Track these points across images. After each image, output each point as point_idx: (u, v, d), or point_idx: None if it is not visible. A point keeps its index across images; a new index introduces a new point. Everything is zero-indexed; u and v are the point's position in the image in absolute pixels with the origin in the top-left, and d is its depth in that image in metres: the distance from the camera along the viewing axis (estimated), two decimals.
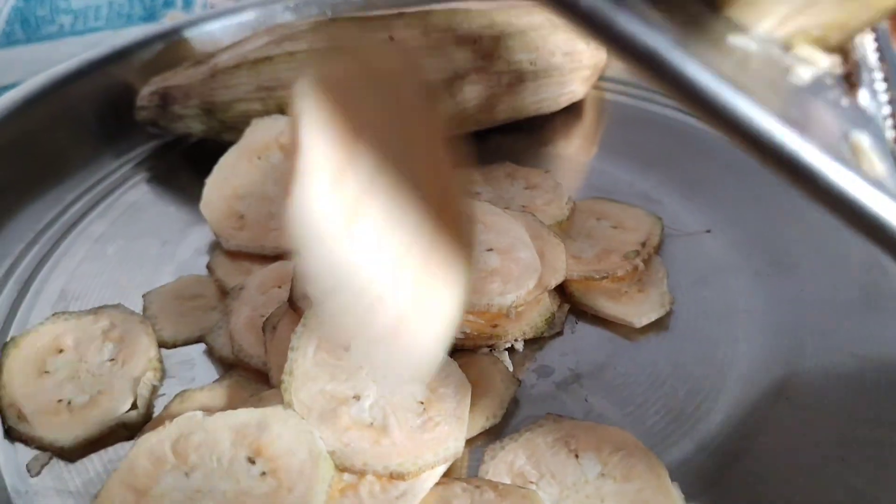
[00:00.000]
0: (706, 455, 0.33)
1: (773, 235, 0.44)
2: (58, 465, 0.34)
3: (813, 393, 0.36)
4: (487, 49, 0.51)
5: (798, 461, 0.33)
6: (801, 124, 0.20)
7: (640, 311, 0.39)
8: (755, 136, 0.19)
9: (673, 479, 0.32)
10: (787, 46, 0.24)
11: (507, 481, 0.32)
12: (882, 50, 0.28)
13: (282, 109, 0.50)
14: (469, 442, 0.34)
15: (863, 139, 0.22)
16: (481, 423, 0.35)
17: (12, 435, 0.35)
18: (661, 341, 0.39)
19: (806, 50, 0.24)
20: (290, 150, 0.45)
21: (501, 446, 0.33)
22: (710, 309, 0.40)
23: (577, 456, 0.33)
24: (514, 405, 0.36)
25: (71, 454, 0.34)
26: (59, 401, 0.36)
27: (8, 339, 0.39)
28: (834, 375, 0.37)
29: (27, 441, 0.35)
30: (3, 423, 0.36)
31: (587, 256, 0.42)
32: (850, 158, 0.21)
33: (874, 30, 0.29)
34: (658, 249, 0.43)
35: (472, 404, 0.34)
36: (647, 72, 0.19)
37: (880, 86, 0.27)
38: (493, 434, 0.34)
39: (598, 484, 0.32)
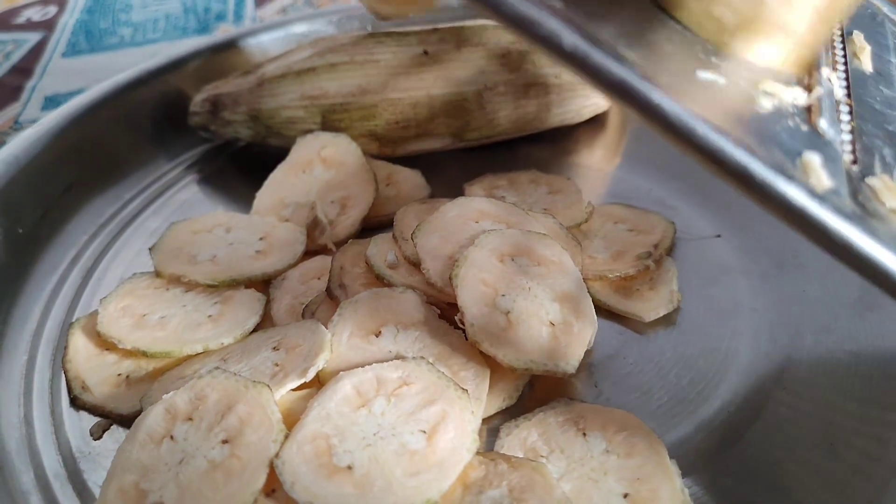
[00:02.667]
0: (704, 436, 0.36)
1: (780, 240, 0.47)
2: (117, 430, 0.38)
3: (807, 385, 0.38)
4: (515, 63, 0.54)
5: (789, 446, 0.36)
6: (752, 145, 0.23)
7: (649, 307, 0.42)
8: (710, 153, 0.23)
9: (672, 456, 0.34)
10: (754, 82, 0.27)
11: (520, 455, 0.35)
12: (849, 87, 0.31)
13: (323, 116, 0.53)
14: (487, 420, 0.37)
15: (814, 158, 0.25)
16: (498, 404, 0.38)
17: (77, 403, 0.39)
18: (668, 335, 0.42)
19: (770, 84, 0.27)
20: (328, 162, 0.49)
21: (516, 424, 0.36)
22: (716, 307, 0.43)
23: (584, 434, 0.36)
24: (528, 388, 0.39)
25: (128, 420, 0.37)
26: (119, 374, 0.40)
27: (73, 319, 0.44)
28: (828, 369, 0.39)
29: (90, 409, 0.39)
30: (69, 392, 0.40)
31: (603, 257, 0.45)
32: (800, 174, 0.24)
33: (845, 71, 0.32)
34: (670, 251, 0.46)
35: (491, 386, 0.37)
36: (620, 99, 0.23)
37: (845, 117, 0.30)
38: (510, 414, 0.37)
39: (603, 459, 0.35)
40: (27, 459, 0.37)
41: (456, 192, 0.50)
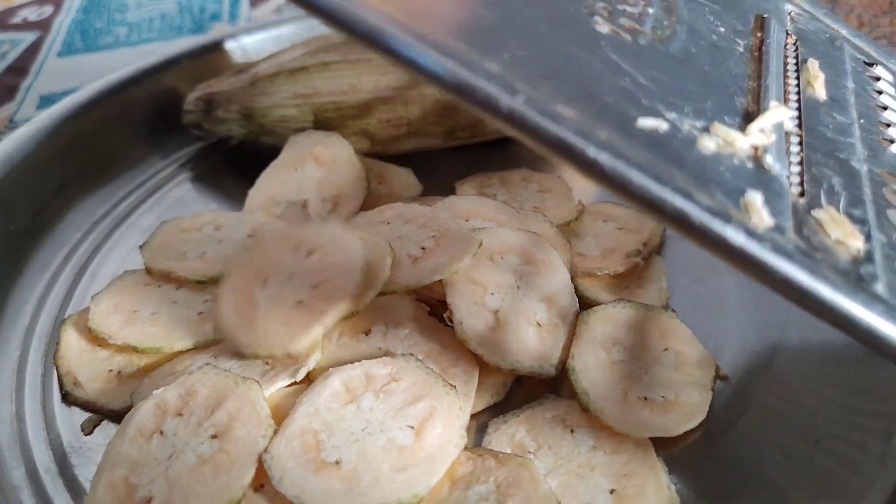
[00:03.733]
0: (690, 432, 0.36)
1: None
2: (108, 425, 0.38)
3: (793, 381, 0.39)
4: None
5: (775, 441, 0.36)
6: (691, 190, 0.24)
7: None
8: (647, 202, 0.24)
9: (658, 452, 0.35)
10: (704, 127, 0.28)
11: (508, 451, 0.35)
12: (801, 117, 0.32)
13: (315, 115, 0.53)
14: (475, 416, 0.37)
15: (755, 197, 0.25)
16: (487, 400, 0.38)
17: (68, 399, 0.39)
18: None
19: (715, 126, 0.28)
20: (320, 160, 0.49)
21: (504, 420, 0.37)
22: (704, 304, 0.43)
23: (572, 431, 0.36)
24: (516, 385, 0.39)
25: (119, 416, 0.37)
26: (110, 370, 0.40)
27: (66, 316, 0.44)
28: (815, 367, 0.39)
29: (81, 405, 0.39)
30: (61, 388, 0.40)
31: (593, 255, 0.45)
32: (742, 213, 0.25)
33: (798, 101, 0.32)
34: (659, 249, 0.47)
35: (479, 382, 0.38)
36: (560, 156, 0.24)
37: (795, 148, 0.30)
38: (498, 410, 0.38)
39: (590, 455, 0.35)
40: (18, 454, 0.37)
41: (448, 190, 0.50)
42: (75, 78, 0.74)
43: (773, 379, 0.39)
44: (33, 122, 0.53)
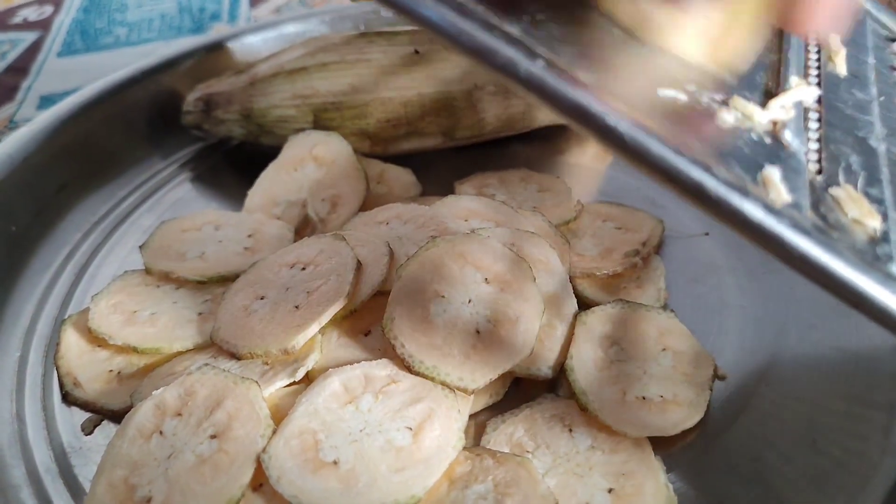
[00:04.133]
0: (688, 431, 0.36)
1: None
2: (108, 425, 0.39)
3: (791, 381, 0.39)
4: None
5: (772, 441, 0.36)
6: (709, 162, 0.23)
7: None
8: (665, 172, 0.23)
9: (656, 452, 0.35)
10: (718, 97, 0.27)
11: (506, 451, 0.35)
12: (820, 94, 0.32)
13: (315, 115, 0.53)
14: (473, 415, 0.37)
15: (773, 172, 0.25)
16: (485, 400, 0.38)
17: (69, 399, 0.40)
18: None
19: (741, 103, 0.28)
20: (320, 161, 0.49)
21: (502, 420, 0.37)
22: (703, 304, 0.44)
23: (570, 430, 0.36)
24: (515, 385, 0.39)
25: (119, 416, 0.37)
26: (110, 371, 0.40)
27: (66, 316, 0.44)
28: (813, 366, 0.39)
29: (81, 405, 0.39)
30: (61, 388, 0.40)
31: (591, 254, 0.45)
32: (759, 189, 0.24)
33: (818, 76, 0.32)
34: (658, 249, 0.47)
35: None
36: (577, 123, 0.23)
37: (813, 125, 0.30)
38: (496, 409, 0.38)
39: (588, 455, 0.35)
40: (19, 454, 0.37)
41: (447, 190, 0.50)
42: (75, 78, 0.75)
43: (772, 378, 0.39)
44: (34, 123, 0.53)
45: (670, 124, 0.24)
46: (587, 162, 0.57)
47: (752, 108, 0.28)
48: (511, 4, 0.26)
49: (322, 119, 0.54)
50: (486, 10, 0.24)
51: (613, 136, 0.23)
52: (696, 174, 0.23)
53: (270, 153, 0.52)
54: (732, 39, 0.30)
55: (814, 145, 0.29)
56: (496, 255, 0.40)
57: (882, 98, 0.34)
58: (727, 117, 0.27)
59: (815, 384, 0.38)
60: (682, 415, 0.36)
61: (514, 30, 0.24)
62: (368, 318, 0.39)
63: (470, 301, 0.38)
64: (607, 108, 0.23)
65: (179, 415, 0.34)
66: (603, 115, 0.23)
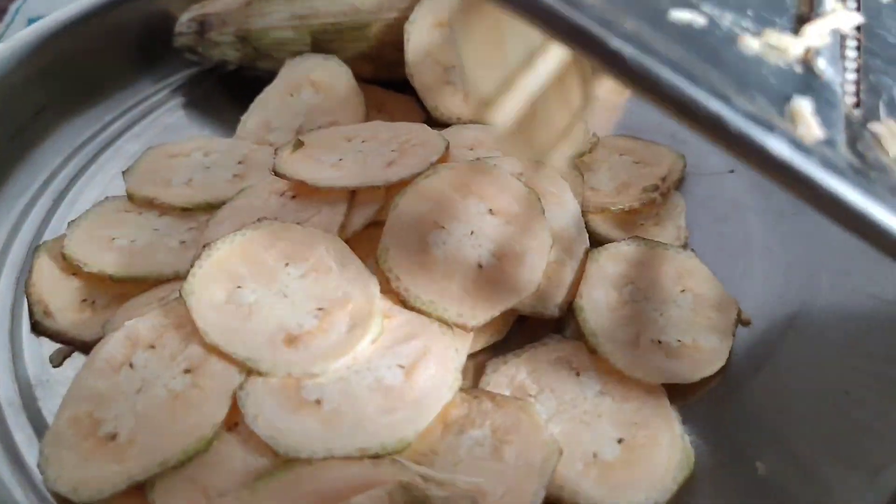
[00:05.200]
0: (706, 381, 0.33)
1: None
2: (78, 357, 0.36)
3: (821, 332, 0.36)
4: None
5: (796, 397, 0.33)
6: (728, 92, 0.21)
7: None
8: (677, 103, 0.20)
9: (671, 401, 0.32)
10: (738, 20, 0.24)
11: (507, 393, 0.33)
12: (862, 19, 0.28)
13: (313, 37, 0.50)
14: (472, 356, 0.34)
15: (803, 105, 0.22)
16: (485, 339, 0.35)
17: (38, 329, 0.37)
18: None
19: (775, 36, 0.24)
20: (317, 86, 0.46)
21: (504, 360, 0.34)
22: (727, 245, 0.40)
23: (577, 374, 0.33)
24: (518, 324, 0.36)
25: (90, 347, 0.34)
26: (83, 300, 0.37)
27: (41, 242, 0.41)
28: (846, 316, 0.36)
29: (51, 335, 0.37)
30: (31, 317, 0.37)
31: (606, 189, 0.42)
32: (787, 123, 0.22)
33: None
34: (679, 186, 0.43)
35: None
36: (578, 49, 0.21)
37: (851, 53, 0.27)
38: (497, 350, 0.35)
39: (597, 401, 0.32)
40: None
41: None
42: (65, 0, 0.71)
43: (800, 327, 0.36)
44: (13, 40, 0.50)
45: (685, 49, 0.22)
46: (604, 94, 0.53)
47: (787, 42, 0.24)
48: None
49: (321, 41, 0.50)
50: None
51: (617, 62, 0.20)
52: (714, 106, 0.20)
53: (267, 79, 0.49)
54: None
55: (851, 75, 0.26)
56: (503, 186, 0.37)
57: None
58: (751, 43, 0.24)
59: (847, 336, 0.35)
60: (701, 362, 0.33)
61: None
62: (361, 251, 0.36)
63: (472, 233, 0.35)
64: (610, 31, 0.20)
65: (152, 347, 0.32)
66: (605, 39, 0.20)
